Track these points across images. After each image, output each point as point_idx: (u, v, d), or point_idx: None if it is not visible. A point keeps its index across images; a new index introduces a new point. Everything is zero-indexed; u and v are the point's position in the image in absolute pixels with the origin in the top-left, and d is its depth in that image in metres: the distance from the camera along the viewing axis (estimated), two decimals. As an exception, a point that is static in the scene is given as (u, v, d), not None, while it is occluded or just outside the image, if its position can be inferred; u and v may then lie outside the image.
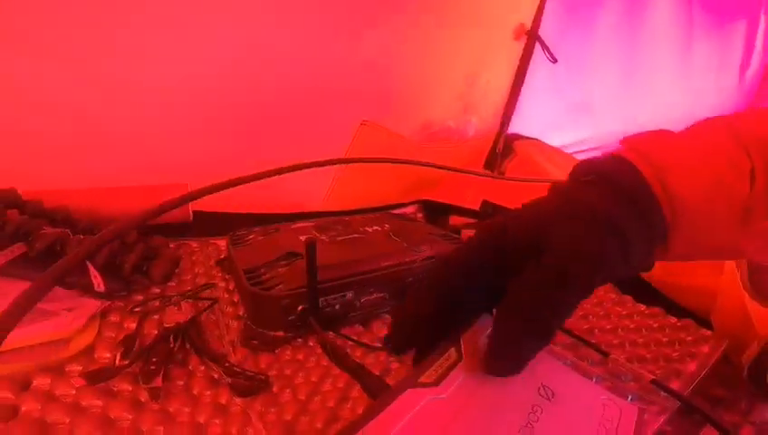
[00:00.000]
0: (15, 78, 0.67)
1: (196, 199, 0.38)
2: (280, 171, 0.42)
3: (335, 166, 0.83)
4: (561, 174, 0.90)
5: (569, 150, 1.38)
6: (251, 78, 0.81)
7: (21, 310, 0.24)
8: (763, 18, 1.61)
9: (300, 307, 0.50)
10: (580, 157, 1.26)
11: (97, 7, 0.67)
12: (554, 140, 1.29)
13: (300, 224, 0.69)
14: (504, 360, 0.27)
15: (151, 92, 0.77)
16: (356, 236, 0.64)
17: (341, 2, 0.81)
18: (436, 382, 0.25)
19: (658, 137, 0.33)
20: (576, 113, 1.34)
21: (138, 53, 0.74)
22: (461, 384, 0.26)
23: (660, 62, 1.47)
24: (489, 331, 0.28)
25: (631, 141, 0.33)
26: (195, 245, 0.81)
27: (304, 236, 0.60)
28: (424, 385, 0.25)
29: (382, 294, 0.56)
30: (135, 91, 0.76)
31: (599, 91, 1.36)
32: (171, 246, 0.76)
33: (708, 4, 1.46)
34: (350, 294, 0.52)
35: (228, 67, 0.79)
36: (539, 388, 0.28)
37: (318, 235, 0.64)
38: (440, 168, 0.47)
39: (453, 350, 0.27)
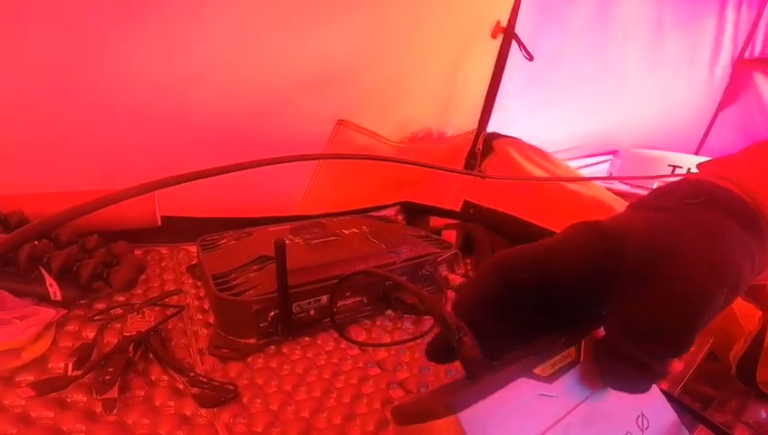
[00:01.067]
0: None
1: (158, 189, 0.37)
2: (251, 165, 0.40)
3: (312, 168, 0.82)
4: (540, 173, 0.91)
5: (550, 150, 1.41)
6: (222, 80, 0.80)
7: None
8: (730, 13, 1.65)
9: (272, 313, 0.48)
10: (560, 156, 1.28)
11: (64, 9, 0.65)
12: (530, 139, 1.31)
13: (274, 227, 0.68)
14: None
15: (118, 95, 0.75)
16: (332, 238, 0.63)
17: None
18: (550, 379, 0.23)
19: (737, 162, 0.33)
20: (550, 111, 1.36)
21: (105, 53, 0.72)
22: (572, 387, 0.24)
23: (631, 58, 1.50)
24: None
25: (712, 168, 0.32)
26: (164, 251, 0.79)
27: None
28: (538, 378, 0.23)
29: (360, 298, 0.54)
30: (101, 94, 0.73)
31: (572, 88, 1.38)
32: (137, 252, 0.74)
33: (678, 0, 1.50)
34: (324, 298, 0.51)
35: (198, 71, 0.78)
36: (638, 416, 0.27)
37: (293, 238, 0.62)
38: (420, 165, 0.46)
39: (573, 349, 0.26)
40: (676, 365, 0.54)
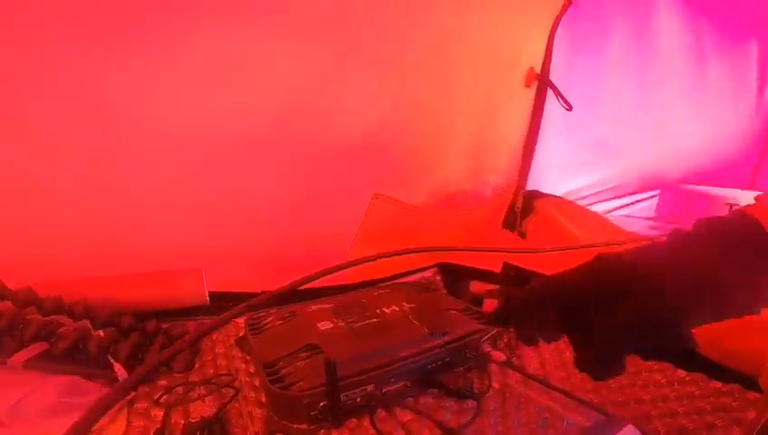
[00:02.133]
0: (13, 164, 0.71)
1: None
2: (345, 266, 0.48)
3: (352, 237, 0.86)
4: (583, 233, 0.92)
5: (587, 192, 1.41)
6: (257, 155, 0.86)
7: (95, 416, 0.27)
8: None
9: (321, 403, 0.53)
10: (608, 215, 1.27)
11: (106, 94, 0.73)
12: (570, 183, 1.31)
13: (317, 306, 0.72)
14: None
15: (154, 174, 0.81)
16: (374, 320, 0.67)
17: (340, 62, 0.86)
18: None
19: None
20: (590, 154, 1.36)
21: (148, 133, 0.79)
22: None
23: (672, 88, 1.49)
24: None
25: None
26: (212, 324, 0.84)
27: (323, 325, 0.64)
28: None
29: (404, 383, 0.58)
30: (130, 167, 0.80)
31: (612, 127, 1.38)
32: (190, 325, 0.80)
33: (717, 25, 1.48)
34: (370, 387, 0.55)
35: (234, 144, 0.84)
36: None
37: (336, 321, 0.67)
38: (466, 250, 0.50)
39: None
40: (734, 432, 0.54)
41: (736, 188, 1.48)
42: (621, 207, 1.58)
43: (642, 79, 1.39)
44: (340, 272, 0.91)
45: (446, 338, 0.62)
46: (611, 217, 1.41)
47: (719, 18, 1.46)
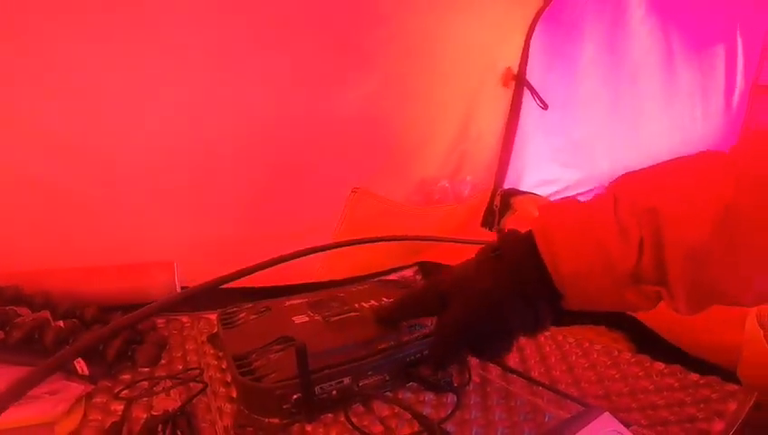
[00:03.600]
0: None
1: (221, 284, 0.42)
2: (300, 254, 0.47)
3: (329, 234, 0.85)
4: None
5: (563, 191, 1.43)
6: (236, 146, 0.85)
7: (16, 394, 0.25)
8: (740, 39, 1.69)
9: (294, 396, 0.51)
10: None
11: (76, 77, 0.71)
12: (547, 182, 1.34)
13: (292, 301, 0.71)
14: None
15: (130, 165, 0.80)
16: (351, 314, 0.65)
17: (322, 56, 0.86)
18: None
19: (560, 209, 0.43)
20: (567, 154, 1.39)
21: (120, 123, 0.78)
22: None
23: (644, 94, 1.55)
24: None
25: (541, 212, 0.44)
26: (185, 320, 0.81)
27: (299, 319, 0.62)
28: None
29: (382, 376, 0.57)
30: (113, 164, 0.78)
31: (586, 129, 1.42)
32: (159, 321, 0.77)
33: (686, 30, 1.54)
34: (347, 380, 0.53)
35: (213, 135, 0.83)
36: None
37: (312, 314, 0.65)
38: (440, 240, 0.50)
39: None
40: (716, 425, 0.54)
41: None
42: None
43: (615, 81, 1.43)
44: (317, 270, 0.90)
45: (425, 331, 0.61)
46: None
47: (688, 23, 1.52)
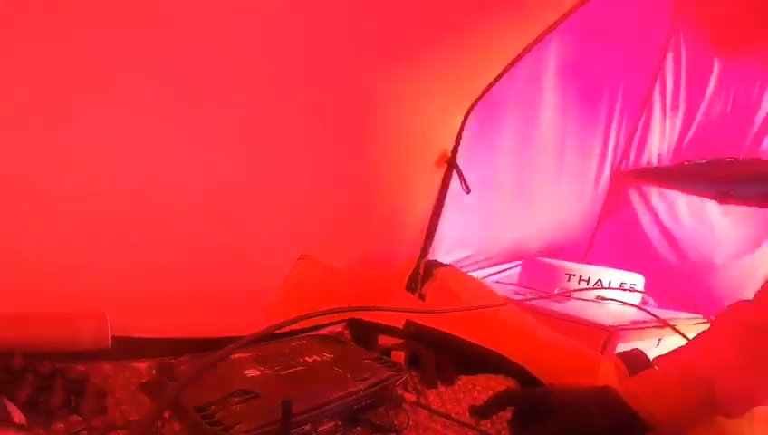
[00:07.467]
0: None
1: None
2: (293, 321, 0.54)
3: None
4: (469, 297, 1.08)
5: (469, 261, 1.68)
6: (185, 197, 0.88)
7: None
8: (614, 127, 1.93)
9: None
10: (489, 281, 1.48)
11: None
12: (459, 253, 1.56)
13: (237, 355, 0.76)
14: None
15: (60, 205, 0.79)
16: (300, 368, 0.74)
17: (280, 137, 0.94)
18: None
19: (651, 382, 0.63)
20: (477, 229, 1.61)
21: (50, 160, 0.77)
22: None
23: (544, 173, 1.79)
24: None
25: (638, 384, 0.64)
26: (108, 368, 0.81)
27: (250, 373, 0.69)
28: None
29: (335, 422, 0.66)
30: (43, 203, 0.77)
31: (494, 206, 1.64)
32: (80, 368, 0.76)
33: (577, 116, 1.78)
34: (308, 427, 0.61)
35: (154, 181, 0.85)
36: None
37: (262, 369, 0.72)
38: (379, 310, 0.60)
39: None
40: None
41: (574, 261, 1.74)
42: (493, 274, 1.86)
43: (521, 166, 1.67)
44: (249, 323, 0.95)
45: (369, 382, 0.71)
46: (486, 282, 1.63)
47: (579, 111, 1.77)
